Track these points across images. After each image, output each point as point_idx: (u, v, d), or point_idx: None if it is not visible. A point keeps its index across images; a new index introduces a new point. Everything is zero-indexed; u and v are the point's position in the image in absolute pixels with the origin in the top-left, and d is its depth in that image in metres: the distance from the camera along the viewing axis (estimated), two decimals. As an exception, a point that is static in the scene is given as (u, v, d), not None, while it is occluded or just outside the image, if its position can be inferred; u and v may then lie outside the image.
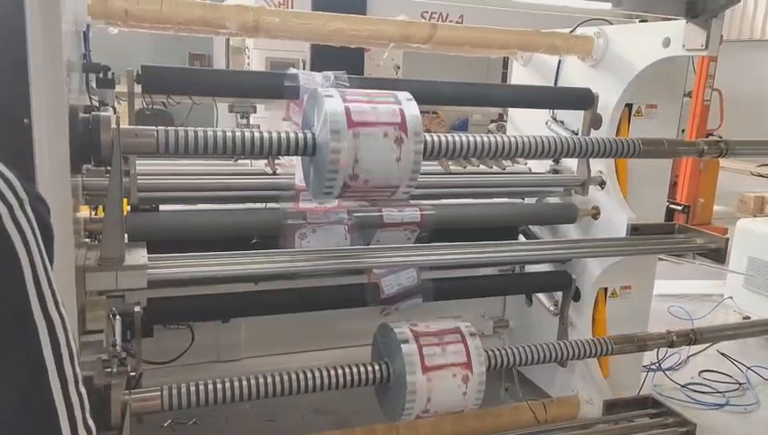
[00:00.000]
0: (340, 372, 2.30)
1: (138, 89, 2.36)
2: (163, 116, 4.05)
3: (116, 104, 2.33)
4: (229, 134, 1.98)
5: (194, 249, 2.20)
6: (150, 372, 2.56)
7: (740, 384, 4.06)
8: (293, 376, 2.24)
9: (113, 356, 2.01)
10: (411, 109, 2.08)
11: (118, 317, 2.27)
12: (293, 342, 3.15)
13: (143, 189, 2.41)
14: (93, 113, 1.87)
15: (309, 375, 2.26)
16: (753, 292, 4.91)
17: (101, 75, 2.17)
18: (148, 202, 2.53)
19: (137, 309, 2.41)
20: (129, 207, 2.47)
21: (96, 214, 2.52)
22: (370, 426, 2.80)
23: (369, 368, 2.35)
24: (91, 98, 2.11)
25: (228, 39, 7.05)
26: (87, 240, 2.28)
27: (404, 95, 2.13)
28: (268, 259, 2.24)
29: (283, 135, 2.05)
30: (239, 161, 2.75)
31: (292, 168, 2.58)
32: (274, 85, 2.49)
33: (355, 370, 2.33)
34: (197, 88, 2.57)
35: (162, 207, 2.63)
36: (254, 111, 2.70)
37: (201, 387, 2.16)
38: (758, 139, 3.24)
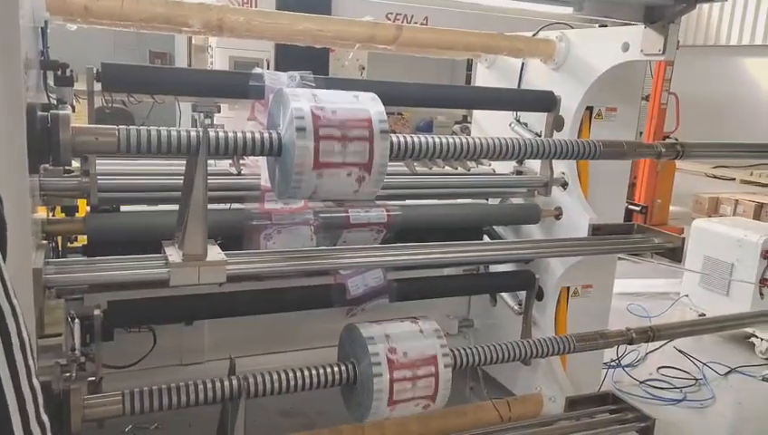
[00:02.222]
0: (306, 373, 2.29)
1: (98, 87, 2.31)
2: (123, 115, 3.97)
3: (75, 102, 2.28)
4: (194, 134, 1.95)
5: (156, 251, 2.15)
6: (111, 377, 2.51)
7: (696, 380, 4.19)
8: (259, 379, 2.22)
9: (72, 361, 1.97)
10: (380, 146, 2.05)
11: (77, 321, 2.22)
12: (259, 344, 3.12)
13: (104, 190, 2.35)
14: (52, 111, 1.82)
15: (275, 377, 2.25)
16: (708, 290, 5.06)
17: (60, 73, 2.11)
18: (108, 202, 2.48)
19: (96, 312, 2.36)
20: (88, 208, 2.42)
21: (54, 215, 2.45)
22: (337, 427, 2.79)
23: (336, 369, 2.34)
24: (49, 96, 2.05)
25: (190, 37, 6.96)
26: (45, 242, 2.22)
27: (378, 126, 2.06)
28: (233, 260, 2.21)
29: (249, 135, 2.03)
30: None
31: (257, 168, 2.56)
32: (239, 85, 2.47)
33: (321, 371, 2.32)
34: (160, 87, 2.52)
35: (123, 208, 2.57)
36: (218, 111, 2.67)
37: (164, 391, 2.12)
38: (713, 141, 3.34)
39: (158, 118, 2.91)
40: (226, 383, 2.18)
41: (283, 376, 2.25)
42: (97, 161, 2.30)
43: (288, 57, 5.25)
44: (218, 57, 6.29)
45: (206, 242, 1.99)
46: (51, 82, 2.10)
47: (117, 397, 2.08)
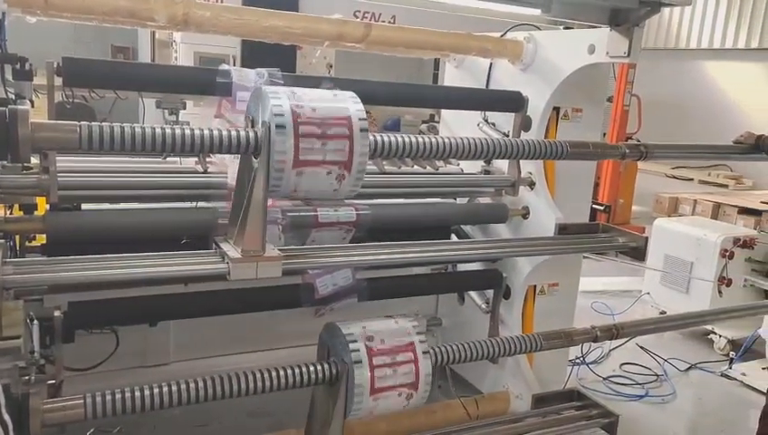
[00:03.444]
0: (282, 372, 2.25)
1: (58, 82, 2.24)
2: (84, 110, 3.88)
3: (34, 97, 2.21)
4: (169, 131, 1.90)
5: (119, 250, 2.10)
6: (72, 380, 2.45)
7: (657, 376, 4.28)
8: (226, 379, 2.18)
9: (31, 363, 1.90)
10: (360, 144, 2.06)
11: (36, 322, 2.16)
12: (225, 344, 3.08)
13: (64, 187, 2.29)
14: (9, 107, 1.76)
15: (251, 377, 2.21)
16: (669, 288, 5.18)
17: (18, 67, 2.04)
18: (69, 201, 2.41)
19: (57, 314, 2.29)
20: (47, 206, 2.35)
21: (12, 213, 2.37)
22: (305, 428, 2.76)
23: (317, 367, 2.30)
24: (6, 90, 1.98)
25: (154, 32, 6.83)
26: (2, 241, 2.14)
27: (358, 124, 2.07)
28: (199, 260, 2.17)
29: (226, 133, 1.97)
30: (168, 159, 2.65)
31: (224, 166, 2.52)
32: (205, 81, 2.43)
33: (302, 369, 2.28)
34: (123, 82, 2.47)
35: (84, 206, 2.50)
36: (184, 108, 2.62)
37: (127, 394, 2.07)
38: (675, 143, 3.42)
39: (121, 114, 2.84)
40: (192, 385, 2.14)
41: (250, 377, 2.21)
42: (57, 158, 2.23)
43: (255, 54, 5.18)
44: (183, 52, 6.20)
45: (265, 239, 2.05)
46: (9, 76, 2.03)
47: (78, 400, 2.02)
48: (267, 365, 2.26)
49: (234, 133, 1.99)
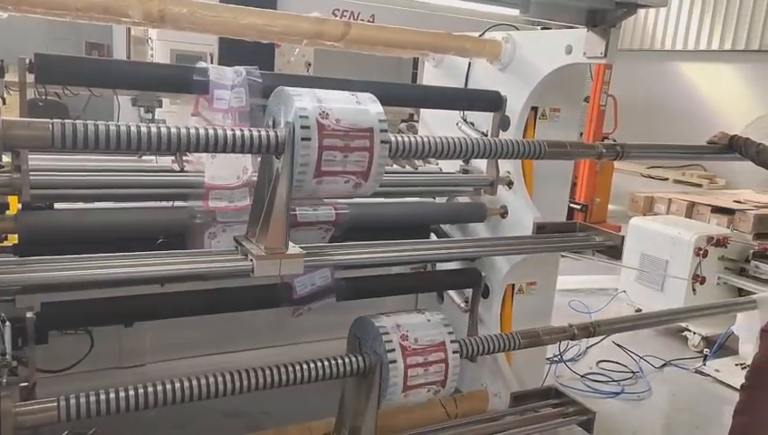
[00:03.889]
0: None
1: (30, 78, 2.20)
2: (58, 108, 3.82)
3: (5, 94, 2.16)
4: (134, 129, 1.87)
5: (94, 250, 2.07)
6: (45, 382, 2.41)
7: (633, 373, 4.34)
8: (204, 380, 2.16)
9: (3, 365, 1.88)
10: (376, 108, 2.15)
11: (7, 323, 2.11)
12: (203, 344, 3.05)
13: (36, 186, 2.24)
14: (-20, 103, 1.72)
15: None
16: (644, 286, 5.24)
17: (-11, 63, 2.00)
18: (41, 200, 2.36)
19: (29, 314, 2.25)
20: (19, 206, 2.30)
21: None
22: (283, 428, 2.76)
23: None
24: (-24, 87, 1.94)
25: (129, 29, 6.74)
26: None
27: (379, 136, 2.12)
28: (175, 260, 2.14)
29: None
30: (143, 157, 2.62)
31: (201, 165, 2.49)
32: (182, 79, 2.40)
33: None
34: (98, 79, 2.43)
35: (57, 206, 2.46)
36: (160, 106, 2.59)
37: (101, 396, 2.03)
38: (650, 143, 3.46)
39: (95, 111, 2.80)
40: (169, 386, 2.11)
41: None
42: (30, 156, 2.19)
43: (232, 52, 5.13)
44: (159, 50, 6.12)
45: (287, 237, 2.10)
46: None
47: (52, 403, 1.99)
48: (245, 366, 2.24)
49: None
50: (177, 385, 2.12)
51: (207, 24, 2.43)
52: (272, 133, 2.03)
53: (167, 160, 2.58)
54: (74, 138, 1.81)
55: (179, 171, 2.50)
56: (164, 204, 2.57)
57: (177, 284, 2.57)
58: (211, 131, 1.97)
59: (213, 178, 2.41)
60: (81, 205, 2.52)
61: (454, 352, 2.47)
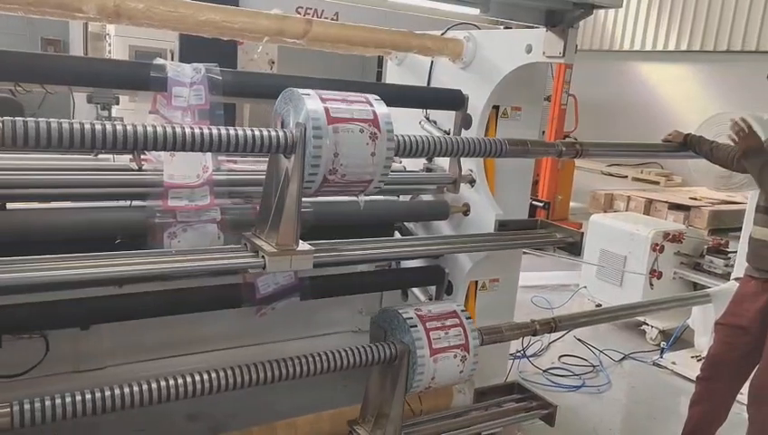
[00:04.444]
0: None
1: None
2: (11, 105, 3.71)
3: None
4: (88, 126, 1.83)
5: (48, 251, 2.01)
6: (-1, 387, 2.33)
7: (594, 367, 4.43)
8: (164, 383, 2.12)
9: (-48, 372, 1.80)
10: (382, 108, 2.25)
11: (-43, 329, 2.05)
12: (163, 346, 3.00)
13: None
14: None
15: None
16: (604, 281, 5.35)
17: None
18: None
19: (-20, 319, 2.18)
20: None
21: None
22: (247, 429, 2.72)
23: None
24: None
25: (87, 24, 6.57)
26: None
27: (373, 97, 2.27)
28: (134, 260, 2.10)
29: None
30: (100, 156, 2.56)
31: (160, 163, 2.45)
32: (139, 76, 2.35)
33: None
34: (52, 76, 2.36)
35: (10, 205, 2.38)
36: (117, 103, 2.53)
37: (57, 400, 1.98)
38: (608, 141, 3.53)
39: (52, 109, 2.73)
40: (127, 390, 2.06)
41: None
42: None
43: (193, 48, 5.06)
44: (117, 46, 6.00)
45: (298, 234, 2.17)
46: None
47: (5, 409, 1.93)
48: (208, 367, 2.21)
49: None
50: (136, 388, 2.08)
51: (165, 19, 2.38)
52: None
53: (124, 159, 2.53)
54: (26, 136, 1.75)
55: (137, 170, 2.45)
56: (122, 203, 2.51)
57: (136, 285, 2.52)
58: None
59: (172, 176, 2.37)
60: (35, 205, 2.45)
61: (467, 319, 2.65)
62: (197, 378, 2.17)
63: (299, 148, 2.06)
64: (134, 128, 1.90)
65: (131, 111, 3.12)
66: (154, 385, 2.10)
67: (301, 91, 2.13)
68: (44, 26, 8.48)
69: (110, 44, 6.26)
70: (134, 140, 1.90)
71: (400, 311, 2.57)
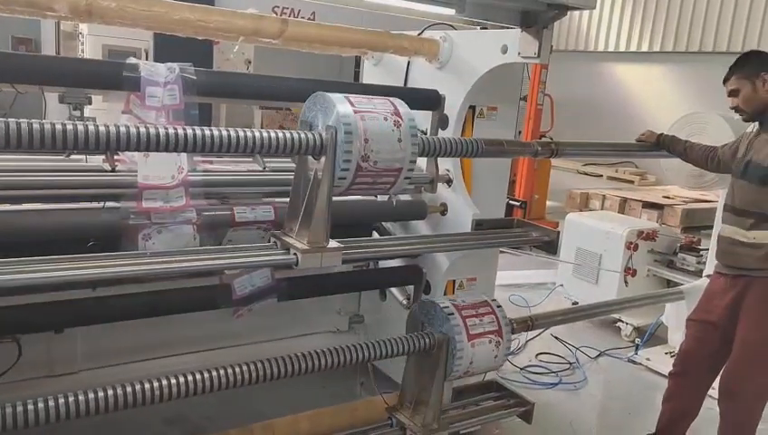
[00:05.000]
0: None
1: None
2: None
3: None
4: (70, 127, 1.80)
5: (18, 254, 1.97)
6: (-33, 394, 2.27)
7: (570, 364, 4.47)
8: (139, 387, 2.10)
9: None
10: (401, 104, 2.41)
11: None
12: (139, 349, 2.96)
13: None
14: None
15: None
16: (580, 279, 5.41)
17: None
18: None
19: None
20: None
21: None
22: (224, 431, 2.71)
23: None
24: None
25: (59, 22, 6.47)
26: None
27: (392, 98, 2.44)
28: (107, 263, 2.07)
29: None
30: (72, 157, 2.52)
31: (134, 164, 2.41)
32: (112, 75, 2.32)
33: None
34: (22, 75, 2.32)
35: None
36: (89, 103, 2.49)
37: (30, 406, 1.95)
38: (583, 141, 3.57)
39: (25, 109, 2.68)
40: (101, 394, 2.03)
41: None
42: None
43: (168, 48, 5.00)
44: (90, 45, 5.91)
45: (329, 232, 2.28)
46: None
47: (-26, 415, 1.89)
48: (183, 370, 2.19)
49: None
50: (111, 392, 2.05)
51: (138, 18, 2.35)
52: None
53: (97, 160, 2.49)
54: (7, 137, 1.72)
55: (110, 171, 2.42)
56: (94, 205, 2.47)
57: (109, 287, 2.49)
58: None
59: (146, 177, 2.34)
60: (5, 207, 2.40)
61: (498, 307, 2.83)
62: (173, 381, 2.15)
63: (329, 149, 2.17)
64: (127, 129, 1.89)
65: (104, 111, 3.07)
66: (129, 389, 2.08)
67: (330, 95, 2.27)
68: (15, 25, 8.31)
69: (82, 43, 6.17)
70: (139, 141, 1.92)
71: (438, 302, 2.74)
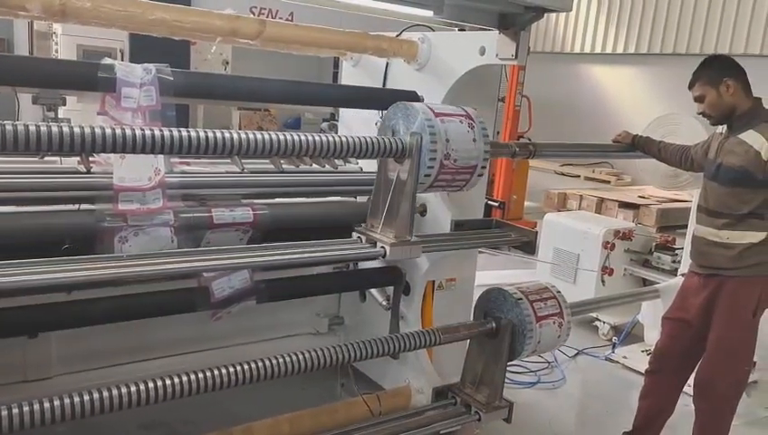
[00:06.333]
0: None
1: None
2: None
3: None
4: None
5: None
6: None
7: (549, 363, 4.51)
8: (116, 391, 2.07)
9: None
10: (470, 110, 2.64)
11: None
12: (115, 353, 2.92)
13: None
14: None
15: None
16: (558, 279, 5.44)
17: None
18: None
19: None
20: None
21: None
22: (204, 435, 2.68)
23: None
24: None
25: (32, 22, 6.36)
26: None
27: (464, 106, 2.66)
28: (82, 266, 2.03)
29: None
30: (46, 158, 2.48)
31: (110, 166, 2.38)
32: (87, 76, 2.29)
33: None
34: (-6, 76, 2.27)
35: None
36: (64, 104, 2.46)
37: (4, 412, 1.91)
38: (561, 142, 3.60)
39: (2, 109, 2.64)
40: (77, 399, 2.00)
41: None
42: None
43: (144, 48, 4.95)
44: (64, 45, 5.82)
45: (412, 227, 2.48)
46: None
47: (-55, 423, 1.85)
48: (159, 374, 2.16)
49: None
50: (87, 397, 2.02)
51: (113, 18, 2.32)
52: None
53: (72, 162, 2.46)
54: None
55: (86, 173, 2.39)
56: (69, 207, 2.44)
57: (86, 291, 2.45)
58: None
59: (122, 179, 2.32)
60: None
61: (558, 292, 3.05)
62: (151, 385, 2.11)
63: (414, 151, 2.38)
64: (102, 130, 1.86)
65: (79, 112, 3.03)
66: (105, 394, 2.04)
67: (412, 103, 2.53)
68: (-13, 24, 8.17)
69: (56, 43, 6.07)
70: (115, 143, 1.88)
71: (505, 289, 2.94)
